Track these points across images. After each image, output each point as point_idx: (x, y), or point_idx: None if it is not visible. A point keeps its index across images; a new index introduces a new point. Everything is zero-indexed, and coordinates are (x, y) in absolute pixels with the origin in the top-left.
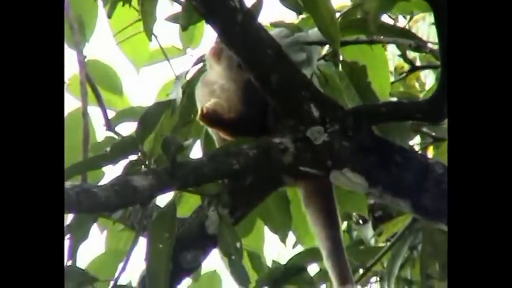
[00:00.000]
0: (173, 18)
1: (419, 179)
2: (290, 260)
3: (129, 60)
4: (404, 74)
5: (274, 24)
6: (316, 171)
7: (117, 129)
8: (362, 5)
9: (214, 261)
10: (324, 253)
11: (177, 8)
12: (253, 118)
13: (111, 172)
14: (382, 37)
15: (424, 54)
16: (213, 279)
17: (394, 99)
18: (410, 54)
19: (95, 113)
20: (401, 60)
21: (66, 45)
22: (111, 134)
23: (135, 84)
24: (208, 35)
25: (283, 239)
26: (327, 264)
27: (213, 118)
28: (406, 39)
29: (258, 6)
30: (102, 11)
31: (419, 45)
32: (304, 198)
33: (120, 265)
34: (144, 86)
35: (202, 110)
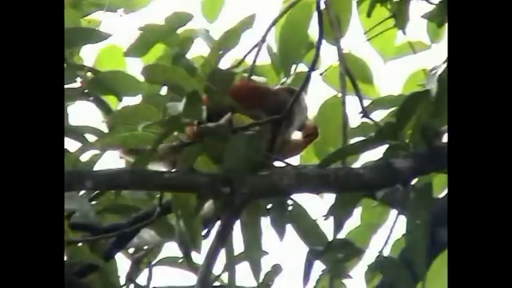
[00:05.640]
0: (428, 15)
1: None
2: None
3: (378, 53)
4: None
5: None
6: None
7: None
8: None
9: None
10: None
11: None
12: None
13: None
14: None
15: None
16: None
17: None
18: None
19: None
20: None
21: (324, 40)
22: (365, 120)
23: (383, 75)
24: None
25: None
26: None
27: None
28: None
29: None
30: (355, 10)
31: None
32: None
33: (373, 237)
34: (391, 77)
35: None
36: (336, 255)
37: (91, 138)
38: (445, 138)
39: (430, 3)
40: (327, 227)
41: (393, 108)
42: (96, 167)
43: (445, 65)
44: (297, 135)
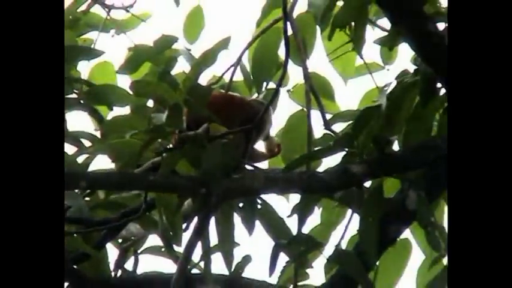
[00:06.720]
0: (380, 41)
1: None
2: None
3: (339, 73)
4: None
5: None
6: None
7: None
8: None
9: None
10: None
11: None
12: None
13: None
14: None
15: None
16: (406, 246)
17: None
18: None
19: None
20: None
21: (292, 62)
22: (327, 132)
23: (343, 92)
24: (404, 54)
25: None
26: None
27: None
28: None
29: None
30: (319, 35)
31: None
32: None
33: (332, 233)
34: (350, 94)
35: None
36: (299, 248)
37: (86, 143)
38: (394, 146)
39: (383, 29)
40: (292, 224)
41: (351, 121)
42: (90, 168)
43: (395, 82)
44: (260, 145)
